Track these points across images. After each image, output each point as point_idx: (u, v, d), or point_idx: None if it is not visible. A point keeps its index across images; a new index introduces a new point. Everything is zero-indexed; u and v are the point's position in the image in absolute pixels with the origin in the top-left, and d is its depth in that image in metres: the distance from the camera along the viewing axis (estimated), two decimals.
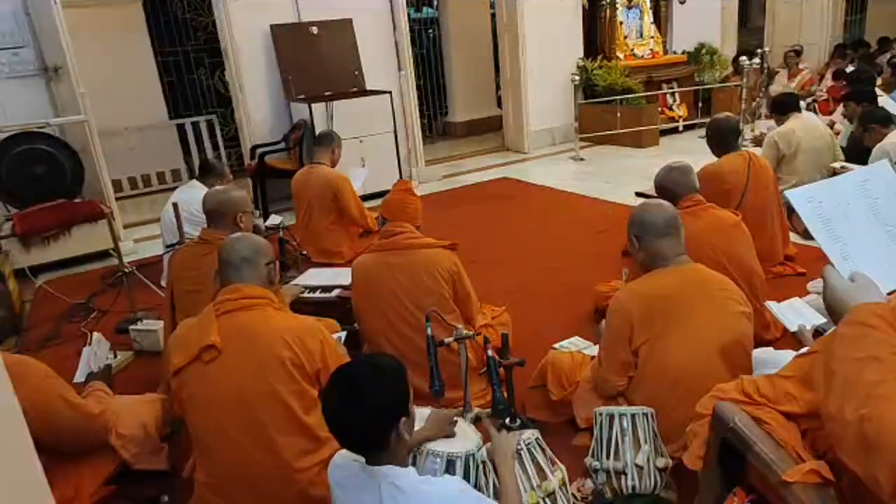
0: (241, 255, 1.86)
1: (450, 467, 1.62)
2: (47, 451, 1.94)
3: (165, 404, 2.32)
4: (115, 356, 3.14)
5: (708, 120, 4.83)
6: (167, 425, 2.32)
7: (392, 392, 1.36)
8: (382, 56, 6.35)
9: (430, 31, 9.19)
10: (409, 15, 6.90)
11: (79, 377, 2.64)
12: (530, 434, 1.73)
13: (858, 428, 0.91)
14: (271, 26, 5.78)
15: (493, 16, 8.01)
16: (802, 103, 6.57)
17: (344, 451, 1.45)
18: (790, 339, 2.60)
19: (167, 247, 3.72)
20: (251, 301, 1.81)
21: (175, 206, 3.31)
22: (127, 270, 3.66)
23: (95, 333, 2.87)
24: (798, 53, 8.60)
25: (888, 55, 8.25)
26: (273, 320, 1.82)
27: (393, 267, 2.44)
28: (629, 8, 7.70)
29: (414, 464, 1.65)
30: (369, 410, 1.32)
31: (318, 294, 3.02)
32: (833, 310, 1.10)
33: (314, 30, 5.88)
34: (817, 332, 2.45)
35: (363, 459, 1.39)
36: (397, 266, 2.44)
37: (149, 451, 2.17)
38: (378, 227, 2.70)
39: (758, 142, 4.79)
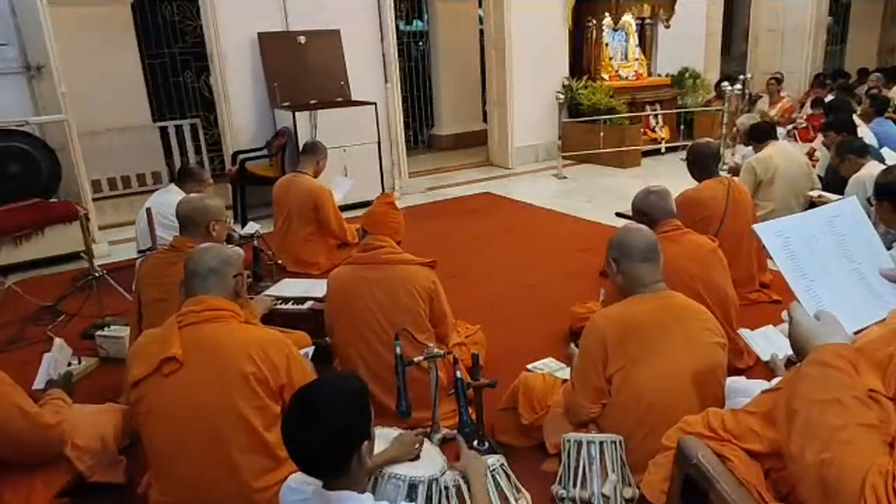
0: (209, 266, 1.82)
1: (412, 491, 1.59)
2: (3, 461, 1.89)
3: (126, 415, 2.25)
4: (80, 362, 3.07)
5: (690, 143, 4.89)
6: (126, 437, 2.25)
7: (353, 416, 1.31)
8: (369, 67, 6.36)
9: (420, 44, 9.24)
10: (398, 27, 6.92)
11: (38, 384, 2.56)
12: (496, 460, 1.70)
13: (818, 472, 0.90)
14: (259, 34, 5.76)
15: (482, 31, 8.07)
16: (783, 130, 6.70)
17: (298, 475, 1.40)
18: (763, 368, 2.61)
19: (139, 252, 3.66)
20: (215, 313, 1.77)
21: (148, 211, 3.25)
22: (97, 274, 3.58)
23: (57, 339, 2.79)
24: (779, 81, 8.77)
25: (866, 86, 8.43)
26: (237, 333, 1.78)
27: (370, 281, 2.41)
28: (615, 30, 7.81)
29: (375, 487, 1.61)
30: (329, 434, 1.27)
31: (290, 306, 2.97)
32: (798, 347, 1.09)
33: (302, 39, 5.87)
34: (790, 362, 2.46)
35: (319, 483, 1.34)
36: (375, 281, 2.41)
37: (106, 463, 2.12)
38: (358, 239, 2.67)
39: (733, 171, 4.84)
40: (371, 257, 2.46)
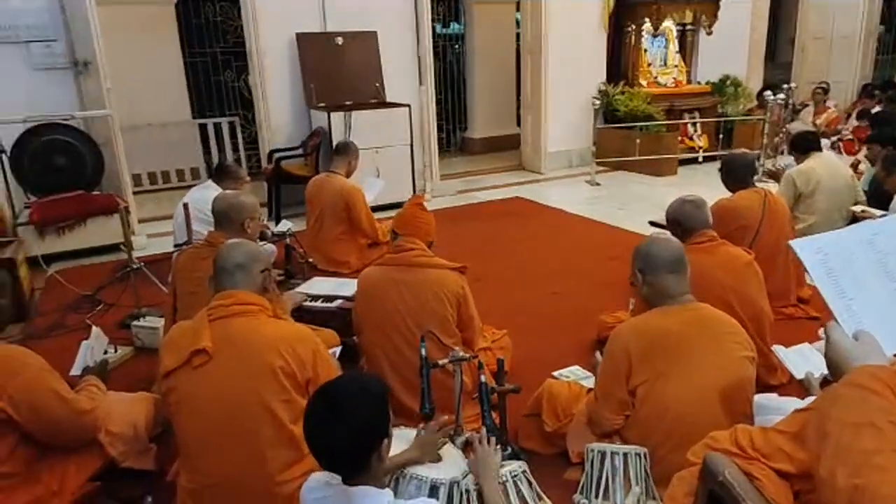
0: (236, 262, 1.86)
1: (433, 493, 1.60)
2: (37, 443, 1.96)
3: (158, 404, 2.31)
4: (115, 351, 3.16)
5: (728, 153, 4.79)
6: (158, 425, 2.31)
7: (375, 414, 1.34)
8: (404, 70, 6.40)
9: (457, 46, 9.26)
10: (435, 30, 6.95)
11: (75, 370, 2.65)
12: (518, 466, 1.69)
13: (850, 497, 0.87)
14: (297, 34, 5.86)
15: (519, 35, 8.04)
16: (827, 142, 6.50)
17: (317, 475, 1.42)
18: (797, 385, 2.53)
19: (175, 246, 3.75)
20: (244, 307, 1.80)
21: (185, 206, 3.33)
22: (135, 266, 3.69)
23: (94, 328, 2.88)
24: (826, 91, 8.51)
25: None
26: (266, 328, 1.80)
27: (400, 284, 2.41)
28: (655, 36, 7.68)
29: (397, 486, 1.62)
30: (352, 430, 1.29)
31: (319, 303, 3.01)
32: (834, 368, 1.05)
33: (339, 40, 5.95)
34: (826, 381, 2.37)
35: (338, 479, 1.36)
36: (404, 283, 2.40)
37: (137, 450, 2.16)
38: (390, 240, 2.69)
39: (773, 175, 4.71)
40: (401, 259, 2.46)
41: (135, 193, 5.61)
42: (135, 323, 3.34)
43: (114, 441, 2.10)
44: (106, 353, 3.00)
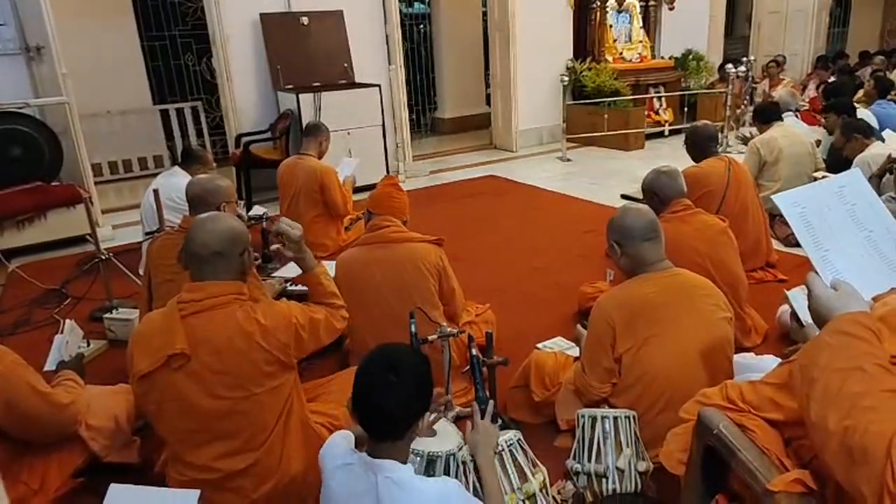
0: (213, 250, 1.71)
1: (430, 466, 1.60)
2: (14, 441, 1.90)
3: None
4: (88, 345, 3.07)
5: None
6: (139, 418, 2.26)
7: (429, 382, 1.39)
8: (373, 49, 6.30)
9: (421, 26, 9.15)
10: (400, 10, 6.85)
11: (49, 365, 2.57)
12: (512, 435, 1.71)
13: (841, 439, 0.90)
14: (261, 15, 5.70)
15: (485, 14, 7.98)
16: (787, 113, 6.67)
17: (337, 437, 1.44)
18: (770, 345, 2.62)
19: (146, 234, 3.65)
20: (217, 300, 1.69)
21: (156, 192, 3.24)
22: (104, 257, 3.57)
23: (68, 321, 2.79)
24: (780, 64, 8.70)
25: (869, 68, 8.39)
26: (243, 321, 1.68)
27: (379, 261, 2.41)
28: (619, 12, 7.73)
29: None
30: (410, 394, 1.33)
31: (300, 287, 2.97)
32: (818, 318, 1.09)
33: (304, 20, 5.81)
34: None
35: (357, 454, 1.37)
36: (383, 260, 2.40)
37: (120, 443, 2.13)
38: (364, 221, 2.66)
39: (746, 141, 4.84)
40: (378, 237, 2.46)
41: (95, 184, 5.41)
42: (107, 315, 3.25)
43: (95, 435, 2.06)
44: (80, 347, 2.91)
